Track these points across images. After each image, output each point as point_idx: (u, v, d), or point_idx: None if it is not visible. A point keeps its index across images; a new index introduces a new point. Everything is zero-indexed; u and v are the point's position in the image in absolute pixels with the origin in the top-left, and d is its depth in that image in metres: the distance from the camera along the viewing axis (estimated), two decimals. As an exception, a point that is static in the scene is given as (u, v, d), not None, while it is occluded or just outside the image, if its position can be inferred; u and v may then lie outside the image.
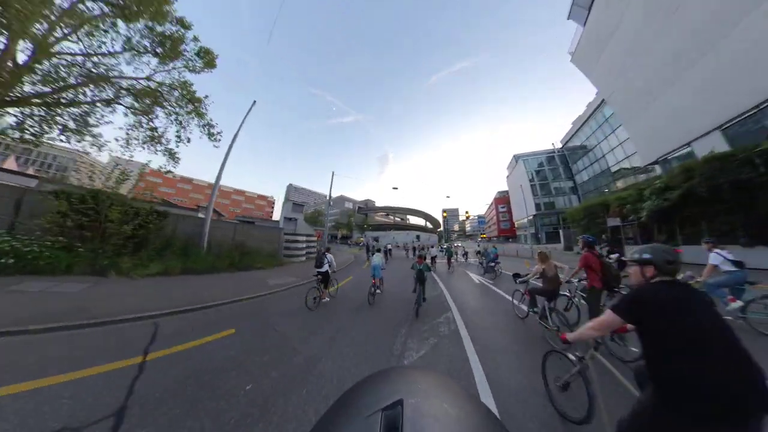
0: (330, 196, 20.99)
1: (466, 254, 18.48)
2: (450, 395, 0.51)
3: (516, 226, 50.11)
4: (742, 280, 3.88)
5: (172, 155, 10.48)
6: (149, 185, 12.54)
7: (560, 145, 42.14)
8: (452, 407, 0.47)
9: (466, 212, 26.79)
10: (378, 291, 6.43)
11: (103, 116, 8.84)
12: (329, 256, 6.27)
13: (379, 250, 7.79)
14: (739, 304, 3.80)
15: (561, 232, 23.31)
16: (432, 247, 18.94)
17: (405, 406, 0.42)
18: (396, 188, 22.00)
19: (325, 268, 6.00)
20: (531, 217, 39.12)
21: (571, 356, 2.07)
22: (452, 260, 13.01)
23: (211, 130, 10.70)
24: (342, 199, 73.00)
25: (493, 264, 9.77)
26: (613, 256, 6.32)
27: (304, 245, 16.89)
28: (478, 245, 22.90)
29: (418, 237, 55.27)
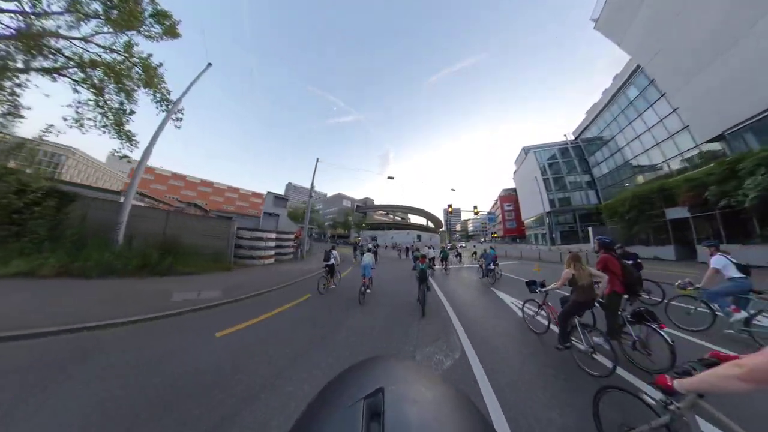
0: (312, 185, 17.77)
1: (459, 255, 17.39)
2: (427, 381, 0.54)
3: (525, 225, 46.37)
4: (747, 289, 3.49)
5: (129, 137, 9.28)
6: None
7: (572, 138, 38.58)
8: (429, 390, 0.50)
9: (475, 207, 23.59)
10: (368, 291, 6.57)
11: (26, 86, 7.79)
12: (335, 252, 7.91)
13: (369, 250, 7.92)
14: (743, 315, 3.40)
15: (590, 230, 19.70)
16: (429, 248, 16.38)
17: (386, 393, 0.42)
18: (392, 178, 18.70)
19: (332, 261, 7.62)
20: (543, 215, 35.60)
21: (650, 400, 1.49)
22: (447, 262, 12.24)
23: (170, 107, 9.60)
24: (339, 198, 69.84)
25: (492, 267, 8.90)
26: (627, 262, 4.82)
27: (274, 244, 13.64)
28: (474, 246, 19.71)
29: (419, 237, 51.77)
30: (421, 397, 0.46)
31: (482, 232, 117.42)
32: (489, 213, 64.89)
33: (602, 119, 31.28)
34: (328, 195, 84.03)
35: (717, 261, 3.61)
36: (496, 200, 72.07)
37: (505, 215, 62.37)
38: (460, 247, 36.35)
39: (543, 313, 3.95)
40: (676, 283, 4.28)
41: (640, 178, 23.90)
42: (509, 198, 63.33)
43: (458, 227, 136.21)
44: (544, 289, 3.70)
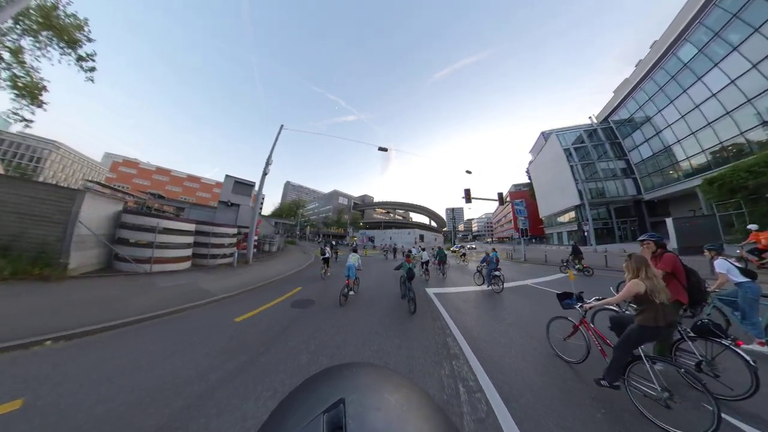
0: (270, 157, 12.25)
1: (464, 255, 16.79)
2: (390, 385, 0.52)
3: (544, 223, 40.54)
4: (757, 294, 3.25)
5: (31, 93, 7.79)
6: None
7: (596, 121, 33.06)
8: (392, 395, 0.48)
9: (502, 196, 18.20)
10: (351, 292, 6.21)
11: None
12: (327, 249, 9.96)
13: (355, 250, 7.32)
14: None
15: (669, 221, 13.76)
16: (423, 250, 13.44)
17: (347, 404, 0.41)
18: (384, 149, 13.28)
19: (327, 255, 9.70)
20: (582, 207, 29.97)
21: None
22: (445, 265, 10.93)
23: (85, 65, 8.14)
24: (335, 195, 64.31)
25: (498, 272, 7.31)
26: (716, 263, 3.86)
27: (191, 240, 8.26)
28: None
29: (421, 237, 46.09)
30: (384, 404, 0.45)
31: (487, 232, 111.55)
32: (516, 203, 58.64)
33: (641, 93, 25.80)
34: (323, 192, 78.55)
35: (721, 265, 3.39)
36: (505, 197, 66.39)
37: (516, 213, 56.83)
38: (469, 248, 32.27)
39: (588, 333, 2.93)
40: None
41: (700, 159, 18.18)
42: (521, 194, 57.72)
43: (461, 227, 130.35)
44: (587, 305, 2.80)
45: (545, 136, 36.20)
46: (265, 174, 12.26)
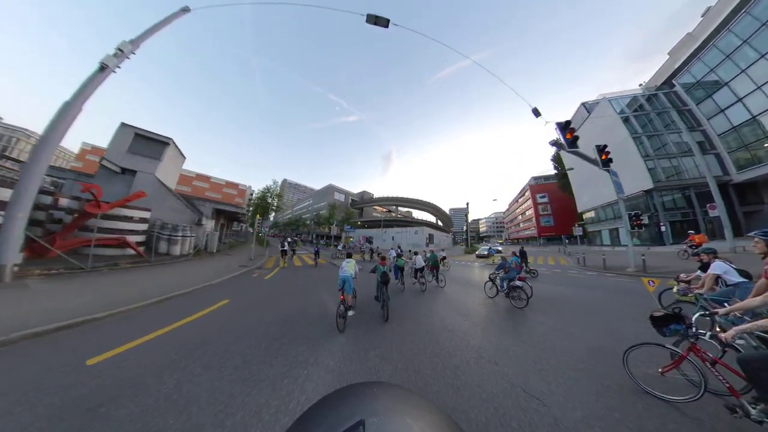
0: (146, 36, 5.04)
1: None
2: (412, 408, 0.49)
3: (584, 218, 32.81)
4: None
5: None
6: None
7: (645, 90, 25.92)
8: (415, 421, 0.45)
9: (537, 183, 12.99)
10: (350, 312, 4.81)
11: None
12: (285, 243, 13.93)
13: (350, 255, 5.56)
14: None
15: None
16: (416, 253, 9.07)
17: (367, 427, 0.39)
18: (374, 18, 5.79)
19: (286, 248, 13.42)
20: (651, 194, 22.65)
21: None
22: (439, 272, 8.87)
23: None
24: (330, 189, 57.09)
25: (519, 283, 5.75)
26: (713, 264, 3.66)
27: None
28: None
29: (430, 237, 38.61)
30: (406, 429, 0.42)
31: (497, 233, 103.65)
32: (539, 197, 50.60)
33: (724, 43, 18.89)
34: (317, 189, 71.44)
35: (718, 266, 3.44)
36: (522, 191, 58.71)
37: (539, 209, 49.05)
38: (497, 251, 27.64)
39: (695, 367, 2.25)
40: (674, 289, 4.06)
41: None
42: (544, 188, 50.08)
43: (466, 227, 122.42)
44: (726, 335, 1.89)
45: (588, 107, 28.94)
46: (112, 67, 5.17)
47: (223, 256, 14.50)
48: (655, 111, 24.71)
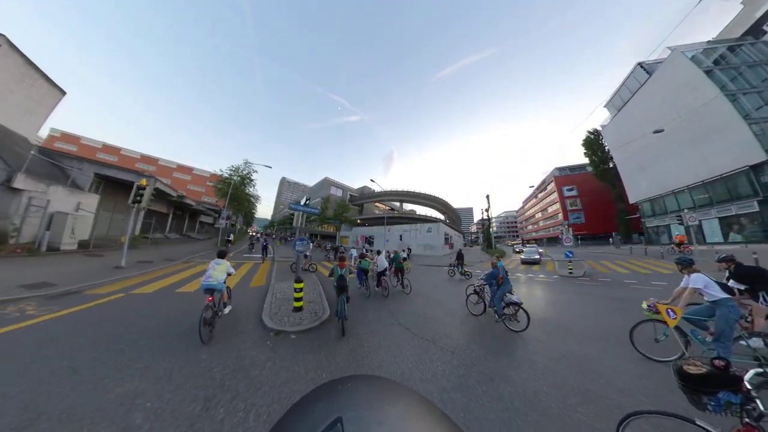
0: None
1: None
2: (391, 396, 0.50)
3: (640, 210, 26.39)
4: (738, 314, 2.85)
5: None
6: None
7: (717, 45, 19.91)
8: (393, 406, 0.46)
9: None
10: (226, 309, 4.58)
11: None
12: (264, 242, 14.31)
13: (222, 255, 4.33)
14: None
15: None
16: (378, 253, 8.37)
17: (345, 423, 0.39)
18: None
19: (263, 245, 13.77)
20: (735, 172, 16.56)
21: None
22: (404, 275, 7.96)
23: None
24: (327, 183, 51.19)
25: (516, 298, 4.41)
26: (693, 277, 3.16)
27: None
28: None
29: (447, 237, 32.38)
30: (386, 418, 0.42)
31: (508, 234, 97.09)
32: (567, 190, 43.83)
33: None
34: (312, 185, 65.53)
35: (698, 279, 3.01)
36: (542, 185, 52.32)
37: (566, 204, 42.69)
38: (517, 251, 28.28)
39: None
40: (645, 305, 3.33)
41: None
42: (571, 179, 43.66)
43: (473, 228, 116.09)
44: None
45: (647, 67, 22.81)
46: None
47: (82, 256, 9.28)
48: (745, 64, 18.64)
